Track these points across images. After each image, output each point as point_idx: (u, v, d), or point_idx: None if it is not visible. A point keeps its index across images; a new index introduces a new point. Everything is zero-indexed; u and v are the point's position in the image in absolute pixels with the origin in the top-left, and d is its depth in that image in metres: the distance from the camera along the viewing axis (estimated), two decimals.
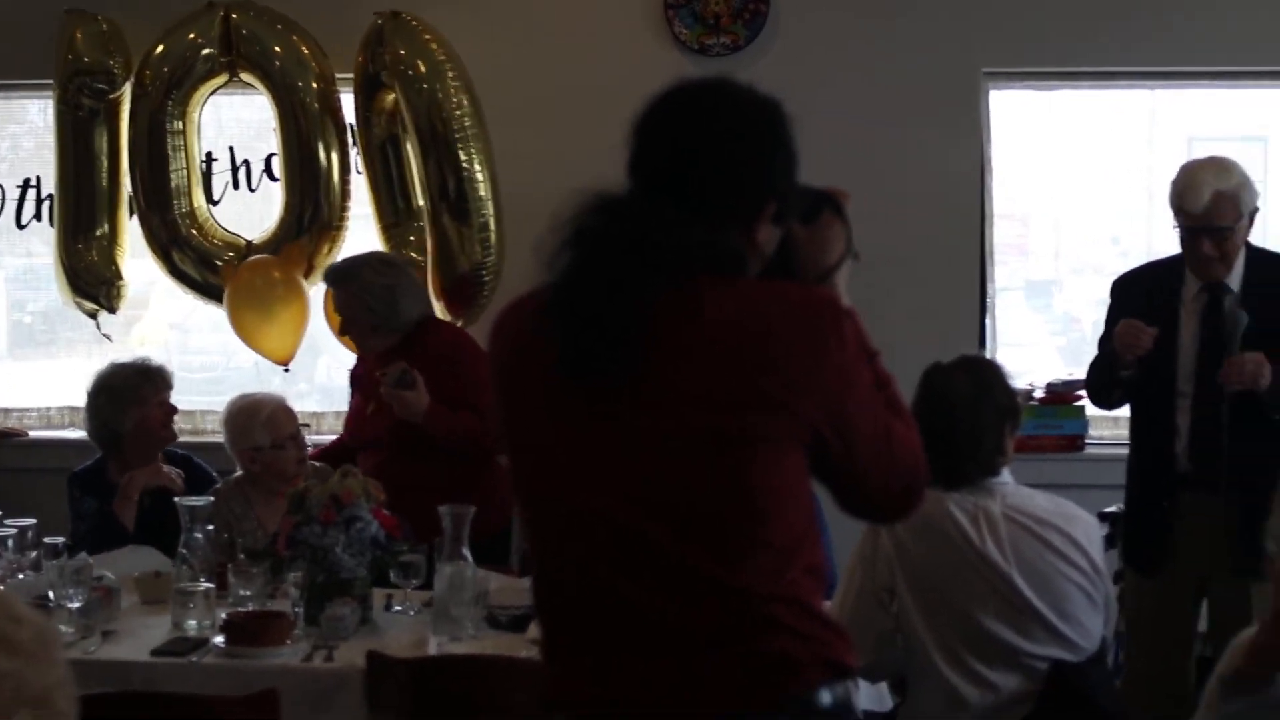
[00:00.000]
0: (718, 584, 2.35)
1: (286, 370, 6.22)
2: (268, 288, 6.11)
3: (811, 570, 2.44)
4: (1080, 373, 5.41)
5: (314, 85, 6.10)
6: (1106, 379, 4.96)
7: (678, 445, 2.34)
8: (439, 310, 5.97)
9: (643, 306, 2.32)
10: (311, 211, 6.14)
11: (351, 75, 6.14)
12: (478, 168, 5.91)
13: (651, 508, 2.35)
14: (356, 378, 5.66)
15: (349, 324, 5.47)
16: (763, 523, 2.36)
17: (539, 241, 2.41)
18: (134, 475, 5.07)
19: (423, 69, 5.89)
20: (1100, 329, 5.06)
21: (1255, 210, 4.79)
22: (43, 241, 6.68)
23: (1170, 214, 4.84)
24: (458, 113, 5.86)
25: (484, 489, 5.19)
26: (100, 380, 5.25)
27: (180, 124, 6.19)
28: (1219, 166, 4.78)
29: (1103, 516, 4.68)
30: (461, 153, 5.88)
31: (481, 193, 5.91)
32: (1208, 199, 4.69)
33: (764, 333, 2.35)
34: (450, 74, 5.89)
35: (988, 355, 6.07)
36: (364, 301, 5.34)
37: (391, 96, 5.99)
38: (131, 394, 5.18)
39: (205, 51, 6.13)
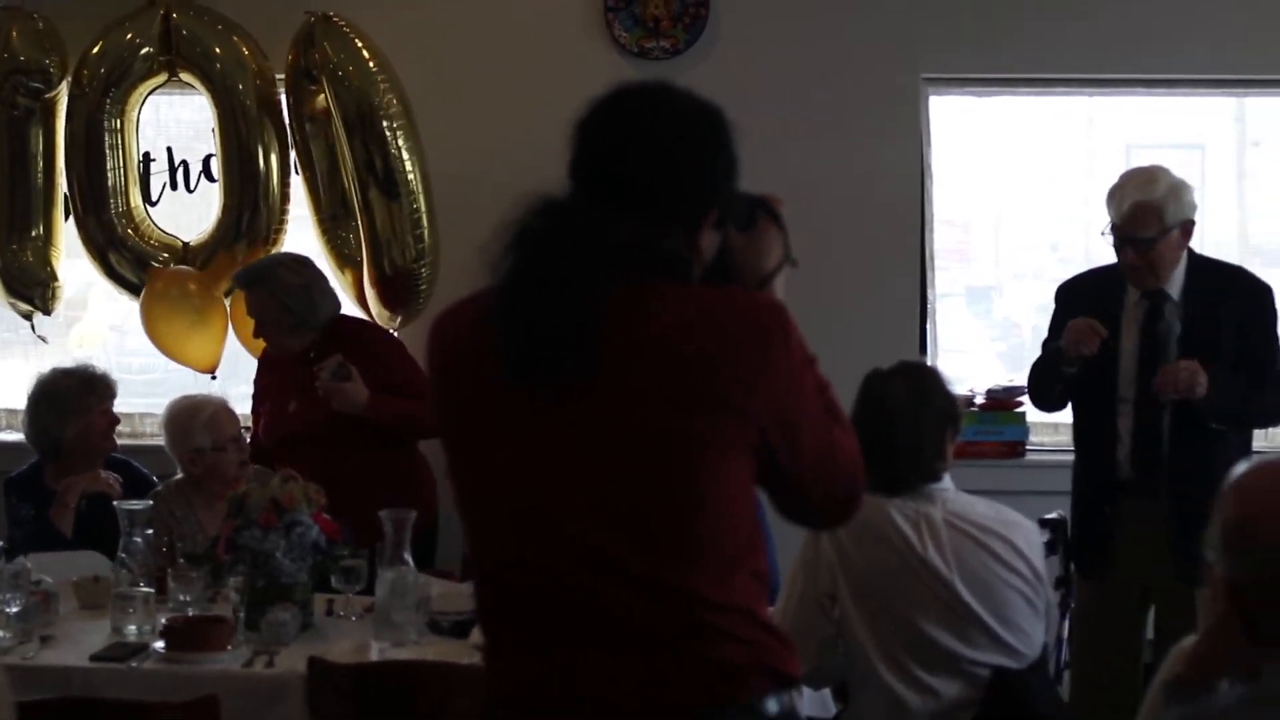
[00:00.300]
0: (663, 587, 2.35)
1: (213, 378, 6.17)
2: (183, 299, 6.05)
3: (757, 576, 2.44)
4: (1021, 379, 5.45)
5: (254, 85, 6.05)
6: (1049, 379, 4.99)
7: (624, 447, 2.34)
8: (376, 308, 5.96)
9: (588, 307, 2.33)
10: (250, 214, 6.08)
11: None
12: (405, 154, 5.84)
13: (597, 510, 2.35)
14: (266, 386, 5.63)
15: (265, 326, 5.46)
16: (709, 527, 2.37)
17: (482, 244, 2.41)
18: (72, 482, 5.03)
19: (351, 70, 5.85)
20: (1042, 334, 5.10)
21: (1187, 221, 4.81)
22: None
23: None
24: (387, 109, 5.84)
25: (414, 483, 5.22)
26: (42, 387, 5.19)
27: (118, 123, 6.11)
28: (1144, 178, 4.83)
29: (1043, 523, 4.70)
30: (388, 134, 5.82)
31: (410, 177, 5.84)
32: (1128, 209, 4.75)
33: (712, 335, 2.36)
34: (380, 77, 5.85)
35: (929, 361, 6.10)
36: (280, 302, 5.35)
37: (323, 96, 5.96)
38: (75, 403, 5.14)
39: (144, 50, 6.06)
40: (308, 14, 5.94)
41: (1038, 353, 5.09)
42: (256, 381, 5.70)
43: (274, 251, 6.02)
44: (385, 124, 5.82)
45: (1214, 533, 2.33)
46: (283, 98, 6.13)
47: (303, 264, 5.52)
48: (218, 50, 6.06)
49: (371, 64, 5.87)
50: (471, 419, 2.48)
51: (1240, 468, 2.29)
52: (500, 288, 2.39)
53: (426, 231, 5.90)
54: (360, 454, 5.17)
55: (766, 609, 2.50)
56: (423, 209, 5.90)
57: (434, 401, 2.57)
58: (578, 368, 2.34)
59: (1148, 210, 4.74)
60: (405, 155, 5.85)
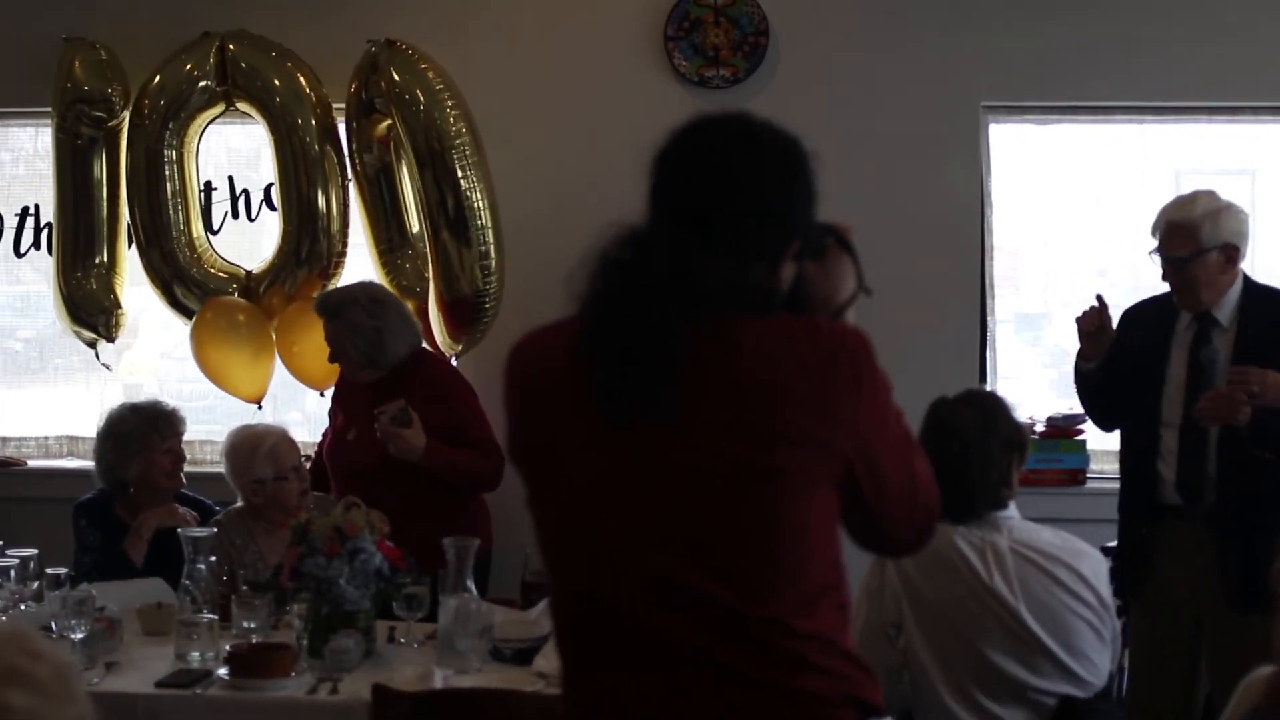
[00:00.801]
0: (746, 619, 2.34)
1: (259, 408, 6.20)
2: (231, 329, 6.09)
3: (841, 607, 2.45)
4: (1078, 407, 5.44)
5: (311, 114, 6.09)
6: (1078, 381, 5.08)
7: (712, 480, 2.33)
8: (439, 330, 5.97)
9: (678, 341, 2.32)
10: (310, 242, 6.13)
11: (343, 104, 6.17)
12: (476, 188, 5.87)
13: (683, 542, 2.35)
14: (340, 398, 5.64)
15: (337, 356, 5.48)
16: (794, 558, 2.37)
17: (567, 274, 2.41)
18: (148, 516, 5.04)
19: (420, 96, 5.88)
20: None
21: (1228, 244, 4.78)
22: (33, 268, 6.65)
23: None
24: (456, 139, 5.86)
25: (471, 516, 5.22)
26: (108, 425, 5.21)
27: (177, 154, 6.16)
28: (1181, 200, 4.87)
29: (1106, 551, 4.69)
30: (459, 170, 5.85)
31: (479, 213, 5.87)
32: (1162, 229, 4.80)
33: (799, 368, 2.35)
34: (449, 102, 5.88)
35: (989, 388, 6.09)
36: (351, 340, 5.37)
37: (386, 123, 5.99)
38: (138, 442, 5.15)
39: (202, 83, 6.12)
40: (369, 42, 5.98)
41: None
42: (333, 396, 5.71)
43: (336, 282, 6.06)
44: (456, 157, 5.86)
45: None
46: (341, 126, 6.17)
47: (379, 304, 5.47)
48: (275, 80, 6.11)
49: (439, 86, 5.91)
50: (553, 449, 2.47)
51: None
52: (586, 319, 2.40)
53: (494, 263, 5.93)
54: (413, 490, 5.16)
55: (850, 640, 2.49)
56: (491, 248, 5.92)
57: (512, 430, 2.56)
58: (665, 401, 2.34)
59: (1181, 230, 4.76)
60: (476, 190, 5.89)
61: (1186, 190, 5.05)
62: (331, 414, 5.66)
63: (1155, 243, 4.83)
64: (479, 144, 5.94)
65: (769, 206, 2.44)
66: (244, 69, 6.11)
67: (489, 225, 5.93)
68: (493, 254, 5.93)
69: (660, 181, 2.48)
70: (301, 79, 6.13)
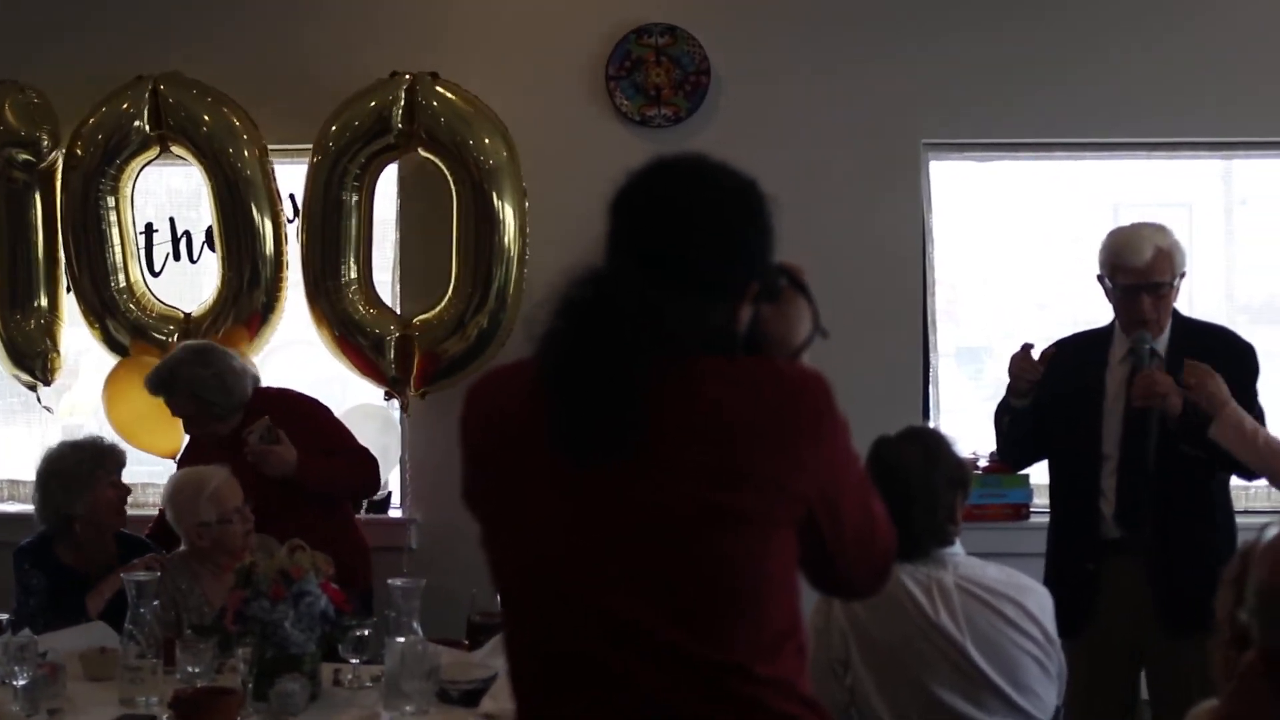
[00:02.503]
0: (703, 662, 2.33)
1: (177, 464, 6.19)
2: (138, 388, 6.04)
3: (800, 650, 2.43)
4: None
5: (245, 155, 6.10)
6: (1000, 412, 5.05)
7: (672, 522, 2.32)
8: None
9: (636, 384, 2.31)
10: (249, 282, 6.14)
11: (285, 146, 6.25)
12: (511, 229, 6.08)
13: (642, 585, 2.33)
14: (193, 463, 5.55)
15: (191, 422, 5.52)
16: (756, 602, 2.35)
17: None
18: (114, 579, 4.94)
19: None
20: None
21: (1183, 274, 4.84)
22: None
23: (1095, 279, 4.91)
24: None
25: (348, 551, 5.21)
26: (50, 463, 5.15)
27: (113, 199, 6.17)
28: (1156, 226, 4.85)
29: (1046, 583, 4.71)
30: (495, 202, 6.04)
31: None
32: (1150, 254, 4.74)
33: (760, 411, 2.35)
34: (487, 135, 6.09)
35: (932, 423, 6.13)
36: (200, 399, 5.41)
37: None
38: (84, 479, 5.10)
39: (136, 124, 6.12)
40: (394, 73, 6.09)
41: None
42: (181, 465, 5.62)
43: (275, 323, 6.06)
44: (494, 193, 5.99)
45: (1242, 597, 2.32)
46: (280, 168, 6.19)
47: (205, 353, 5.53)
48: (208, 122, 6.10)
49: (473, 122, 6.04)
50: (510, 490, 2.46)
51: (1272, 530, 2.28)
52: (545, 360, 2.39)
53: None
54: (291, 526, 5.12)
55: (808, 683, 2.47)
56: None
57: (469, 471, 2.54)
58: (625, 443, 2.33)
59: (1167, 256, 4.76)
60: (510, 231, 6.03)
61: (1124, 223, 5.08)
62: None
63: (1130, 268, 4.76)
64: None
65: (729, 249, 2.44)
66: (177, 112, 6.11)
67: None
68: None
69: (620, 223, 2.47)
70: (235, 120, 6.14)
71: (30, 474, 5.58)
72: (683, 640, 2.33)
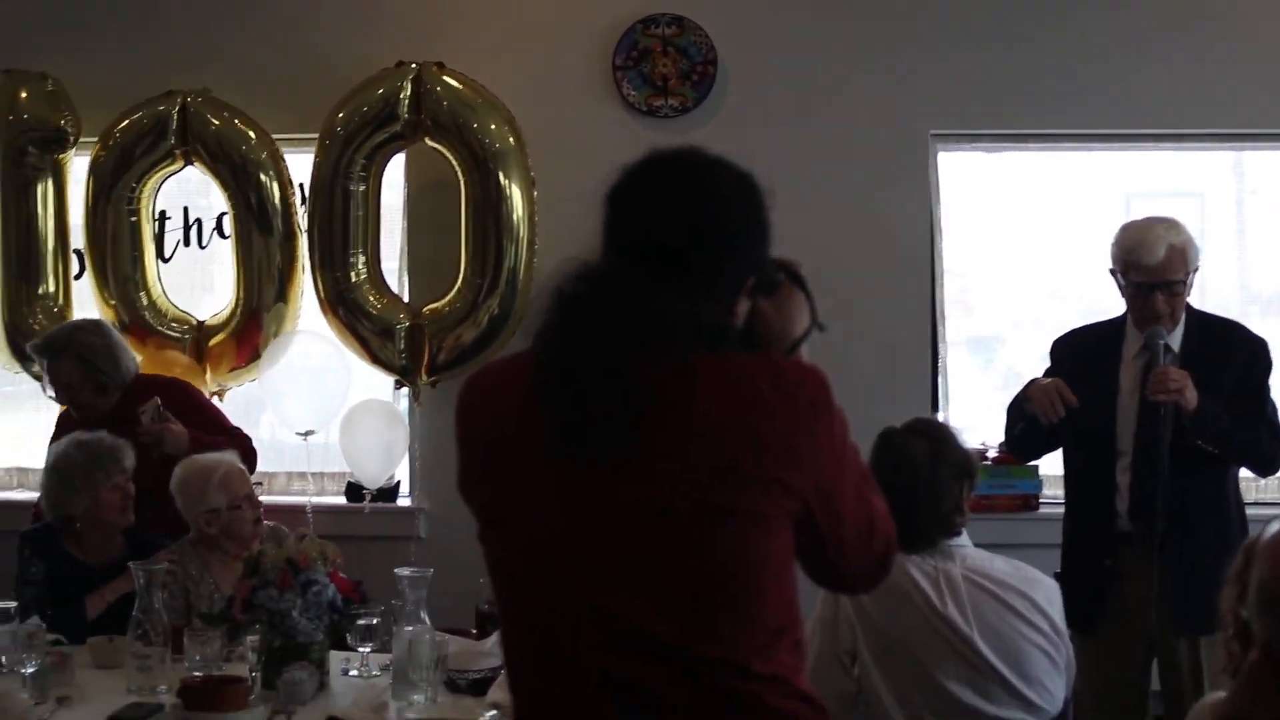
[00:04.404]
0: (698, 659, 2.32)
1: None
2: None
3: (797, 646, 2.42)
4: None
5: (269, 175, 6.18)
6: (1013, 416, 5.00)
7: (669, 519, 2.30)
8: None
9: (633, 381, 2.30)
10: (259, 302, 6.26)
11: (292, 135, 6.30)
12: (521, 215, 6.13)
13: (638, 582, 2.32)
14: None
15: (73, 390, 5.57)
16: (753, 599, 2.34)
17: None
18: (117, 584, 4.88)
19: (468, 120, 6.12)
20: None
21: (1196, 269, 4.82)
22: None
23: (1107, 272, 4.89)
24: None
25: None
26: (52, 461, 5.06)
27: (135, 206, 6.24)
28: (1169, 222, 4.81)
29: (1058, 576, 4.70)
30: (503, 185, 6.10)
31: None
32: (1163, 253, 4.70)
33: (758, 407, 2.33)
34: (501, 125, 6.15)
35: (940, 413, 6.13)
36: (89, 364, 5.51)
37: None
38: (83, 480, 4.99)
39: (161, 141, 6.20)
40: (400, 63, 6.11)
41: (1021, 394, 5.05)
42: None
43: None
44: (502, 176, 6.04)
45: (1245, 593, 2.33)
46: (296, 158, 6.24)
47: (99, 326, 5.73)
48: (230, 138, 6.16)
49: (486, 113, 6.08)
50: (507, 485, 2.45)
51: (1274, 527, 2.29)
52: (541, 356, 2.38)
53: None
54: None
55: (805, 679, 2.46)
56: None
57: (465, 464, 2.53)
58: (622, 439, 2.31)
59: (1180, 253, 4.73)
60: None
61: (1138, 214, 5.05)
62: None
63: (1143, 265, 4.73)
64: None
65: (724, 243, 2.42)
66: (203, 130, 6.16)
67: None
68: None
69: (614, 218, 2.46)
70: (253, 135, 6.20)
71: (38, 462, 5.59)
72: (679, 637, 2.32)
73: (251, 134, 6.18)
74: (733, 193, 2.46)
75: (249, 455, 5.46)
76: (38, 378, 6.19)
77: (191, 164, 6.25)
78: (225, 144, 6.16)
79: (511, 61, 6.31)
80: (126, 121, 6.20)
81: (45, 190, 6.27)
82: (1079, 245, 6.32)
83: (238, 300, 6.27)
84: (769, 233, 2.49)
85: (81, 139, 6.35)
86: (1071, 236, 6.43)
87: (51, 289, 6.30)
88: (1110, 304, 5.04)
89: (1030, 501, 6.11)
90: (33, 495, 5.78)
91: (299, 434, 6.29)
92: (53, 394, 5.67)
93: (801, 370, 2.43)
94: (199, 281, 6.44)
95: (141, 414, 5.35)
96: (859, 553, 2.49)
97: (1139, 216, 4.96)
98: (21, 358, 6.22)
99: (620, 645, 2.34)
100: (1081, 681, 4.79)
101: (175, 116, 6.16)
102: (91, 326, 5.71)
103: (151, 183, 6.26)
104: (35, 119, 6.22)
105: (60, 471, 5.01)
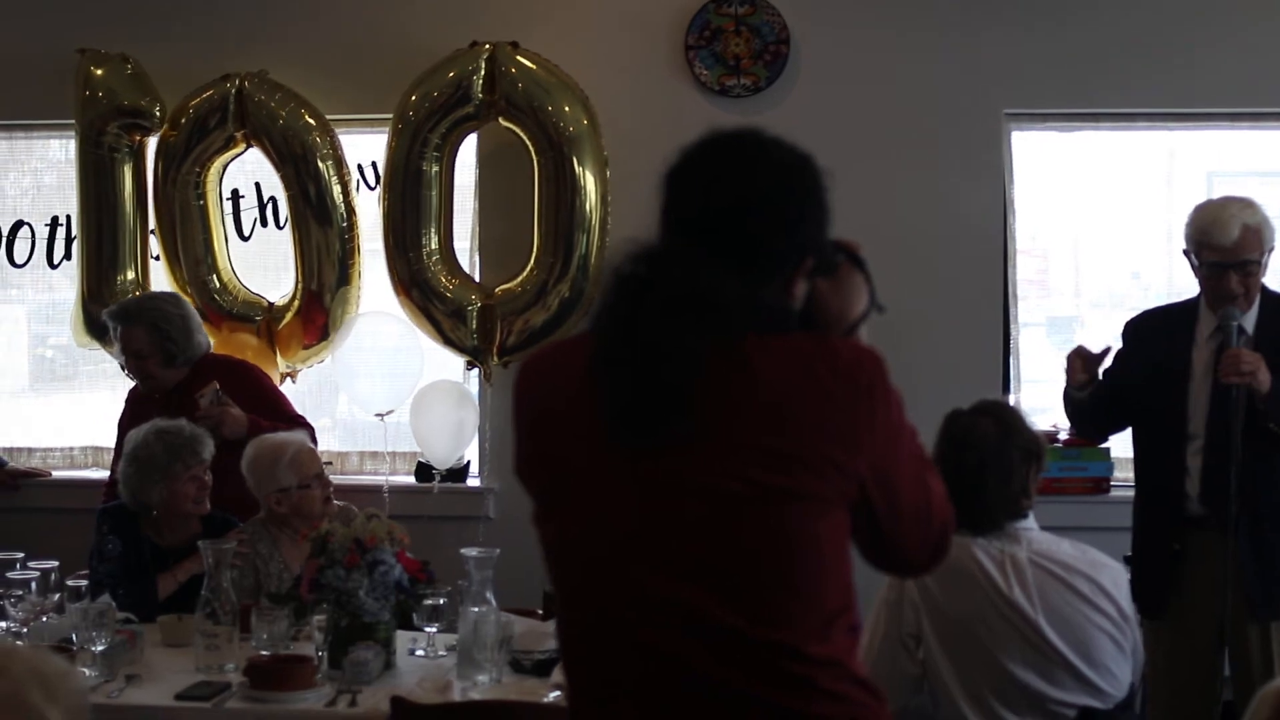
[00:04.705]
0: (754, 642, 2.31)
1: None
2: None
3: (852, 629, 2.41)
4: None
5: (325, 161, 6.19)
6: (1069, 407, 5.01)
7: (726, 502, 2.30)
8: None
9: (691, 363, 2.30)
10: (317, 290, 6.28)
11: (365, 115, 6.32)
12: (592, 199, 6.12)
13: (694, 565, 2.32)
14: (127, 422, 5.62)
15: (143, 359, 5.60)
16: (810, 581, 2.34)
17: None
18: (189, 564, 4.91)
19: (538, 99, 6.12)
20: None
21: (1273, 249, 4.76)
22: (64, 275, 6.69)
23: (1182, 253, 4.85)
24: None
25: None
26: (131, 450, 5.07)
27: (201, 190, 6.28)
28: (1243, 202, 4.76)
29: (1128, 559, 4.65)
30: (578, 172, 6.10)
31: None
32: (1237, 233, 4.66)
33: (815, 391, 2.32)
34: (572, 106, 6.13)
35: (1012, 396, 6.08)
36: (163, 333, 5.56)
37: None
38: (159, 471, 5.00)
39: (220, 125, 6.21)
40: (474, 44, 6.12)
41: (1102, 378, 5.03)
42: (123, 425, 5.65)
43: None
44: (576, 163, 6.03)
45: None
46: (353, 138, 6.22)
47: (177, 298, 5.82)
48: (289, 127, 6.17)
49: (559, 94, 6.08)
50: (564, 468, 2.45)
51: None
52: (599, 338, 2.38)
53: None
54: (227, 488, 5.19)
55: (860, 663, 2.45)
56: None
57: (521, 446, 2.53)
58: (679, 422, 2.31)
59: (1255, 233, 4.68)
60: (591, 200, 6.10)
61: (1217, 193, 5.00)
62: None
63: (1218, 245, 4.68)
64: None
65: (783, 224, 2.42)
66: (259, 113, 6.17)
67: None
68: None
69: (673, 198, 2.45)
70: (310, 119, 6.21)
71: (109, 441, 5.65)
72: (735, 620, 2.31)
73: (308, 116, 6.18)
74: (789, 173, 2.44)
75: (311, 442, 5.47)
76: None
77: (252, 146, 6.27)
78: (278, 125, 6.15)
79: (584, 41, 6.29)
80: (194, 103, 6.22)
81: (123, 172, 6.31)
82: (1160, 225, 6.26)
83: (297, 282, 6.29)
84: (828, 214, 2.48)
85: None
86: (1152, 216, 6.36)
87: (130, 274, 6.34)
88: (1190, 285, 4.98)
89: (1101, 484, 6.04)
90: (104, 474, 5.84)
91: (377, 414, 6.31)
92: (121, 361, 5.72)
93: (859, 352, 2.41)
94: (278, 261, 6.46)
95: (200, 397, 5.39)
96: (915, 535, 2.47)
97: (1219, 195, 4.90)
98: (99, 334, 6.25)
99: (673, 626, 2.34)
100: (1151, 666, 4.76)
101: (233, 99, 6.17)
102: (169, 298, 5.79)
103: (216, 165, 6.28)
104: (115, 101, 6.25)
105: (139, 460, 5.02)
